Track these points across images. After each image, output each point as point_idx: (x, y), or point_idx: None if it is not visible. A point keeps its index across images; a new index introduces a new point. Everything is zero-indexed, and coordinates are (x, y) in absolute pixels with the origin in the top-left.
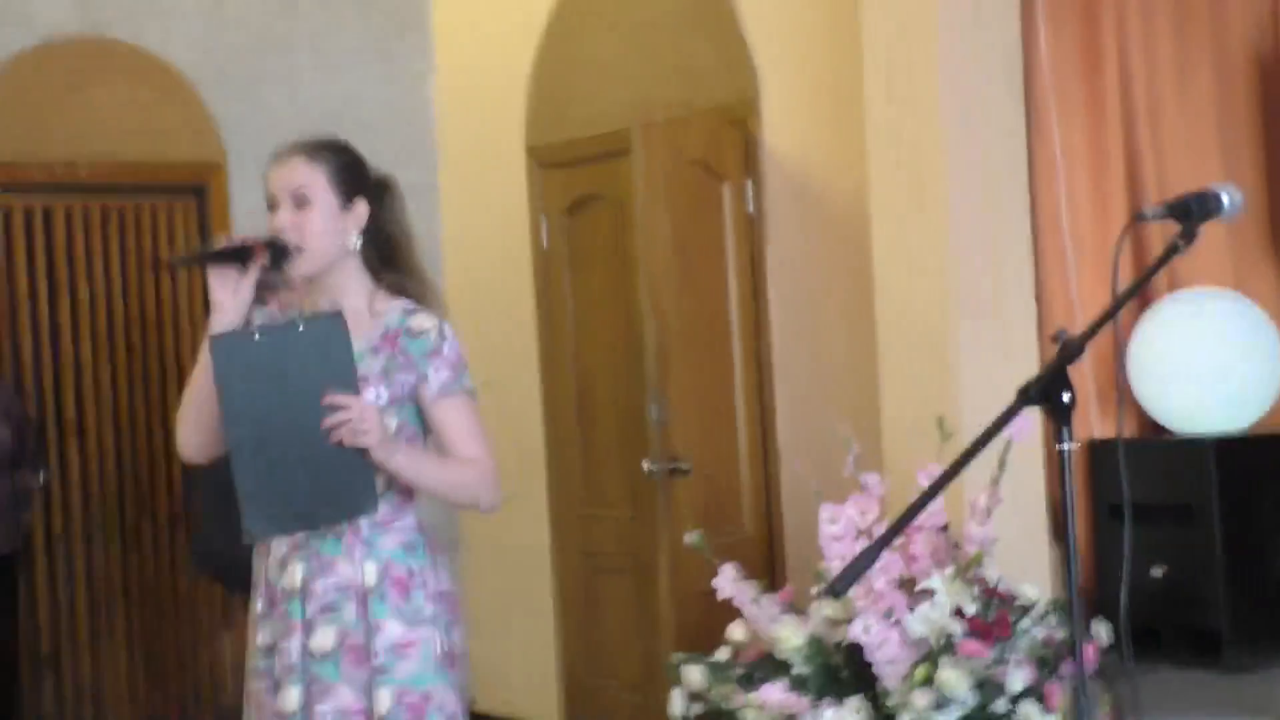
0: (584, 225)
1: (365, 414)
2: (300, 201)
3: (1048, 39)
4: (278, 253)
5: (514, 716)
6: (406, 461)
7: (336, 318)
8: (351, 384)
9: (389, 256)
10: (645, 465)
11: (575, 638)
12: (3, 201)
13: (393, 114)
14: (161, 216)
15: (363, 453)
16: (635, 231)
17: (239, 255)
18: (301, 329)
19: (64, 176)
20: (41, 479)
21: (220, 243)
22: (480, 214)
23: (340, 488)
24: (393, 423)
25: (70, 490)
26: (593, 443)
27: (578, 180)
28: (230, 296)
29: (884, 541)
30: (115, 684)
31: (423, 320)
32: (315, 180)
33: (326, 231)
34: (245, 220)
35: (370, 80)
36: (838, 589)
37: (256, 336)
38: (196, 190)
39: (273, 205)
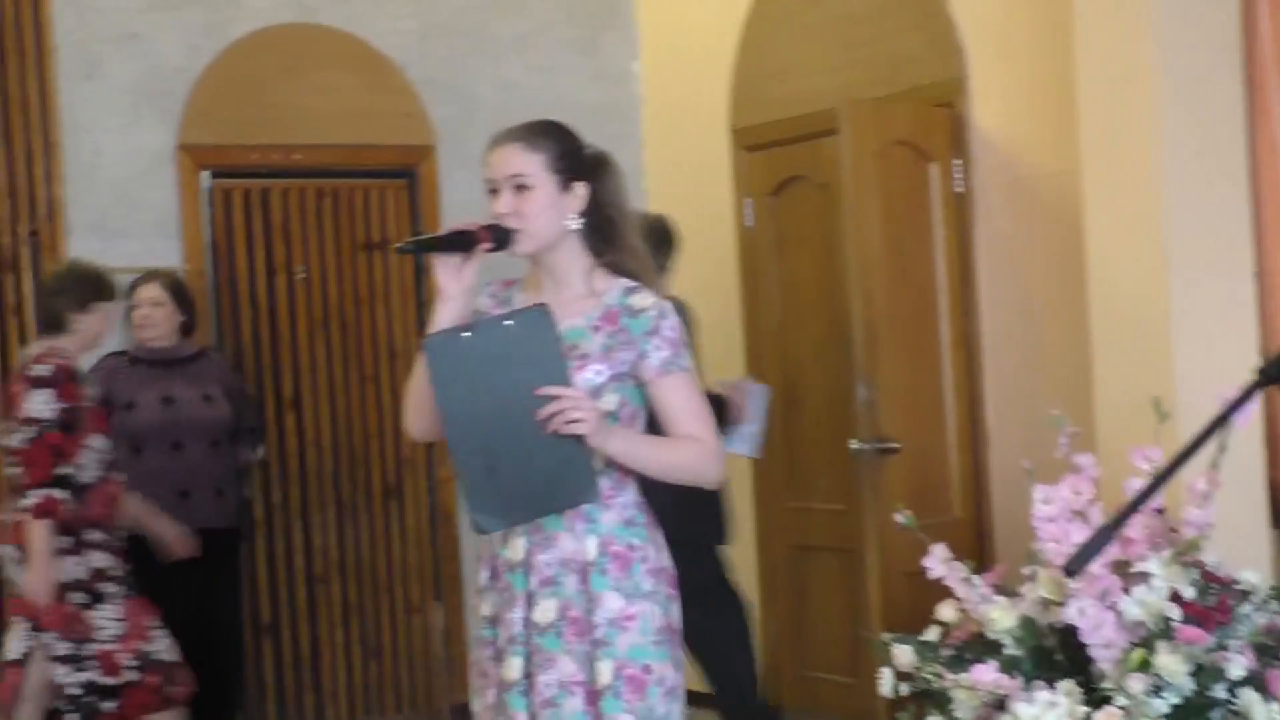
0: (788, 206)
1: (578, 403)
2: (519, 187)
3: (1270, 12)
4: (500, 237)
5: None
6: (624, 446)
7: (543, 310)
8: (562, 375)
9: (608, 235)
10: (853, 444)
11: (779, 620)
12: (221, 184)
13: (597, 100)
14: (373, 199)
15: (580, 441)
16: (843, 211)
17: (462, 242)
18: (509, 324)
19: (279, 160)
20: (260, 454)
21: (444, 229)
22: (684, 197)
23: (560, 477)
24: (613, 400)
25: (288, 465)
26: (798, 426)
27: (781, 162)
28: (454, 282)
29: (1120, 520)
30: (331, 653)
31: (643, 298)
32: (533, 166)
33: (545, 215)
34: (454, 203)
35: (576, 73)
36: (1073, 567)
37: (465, 335)
38: (407, 174)
39: (493, 190)
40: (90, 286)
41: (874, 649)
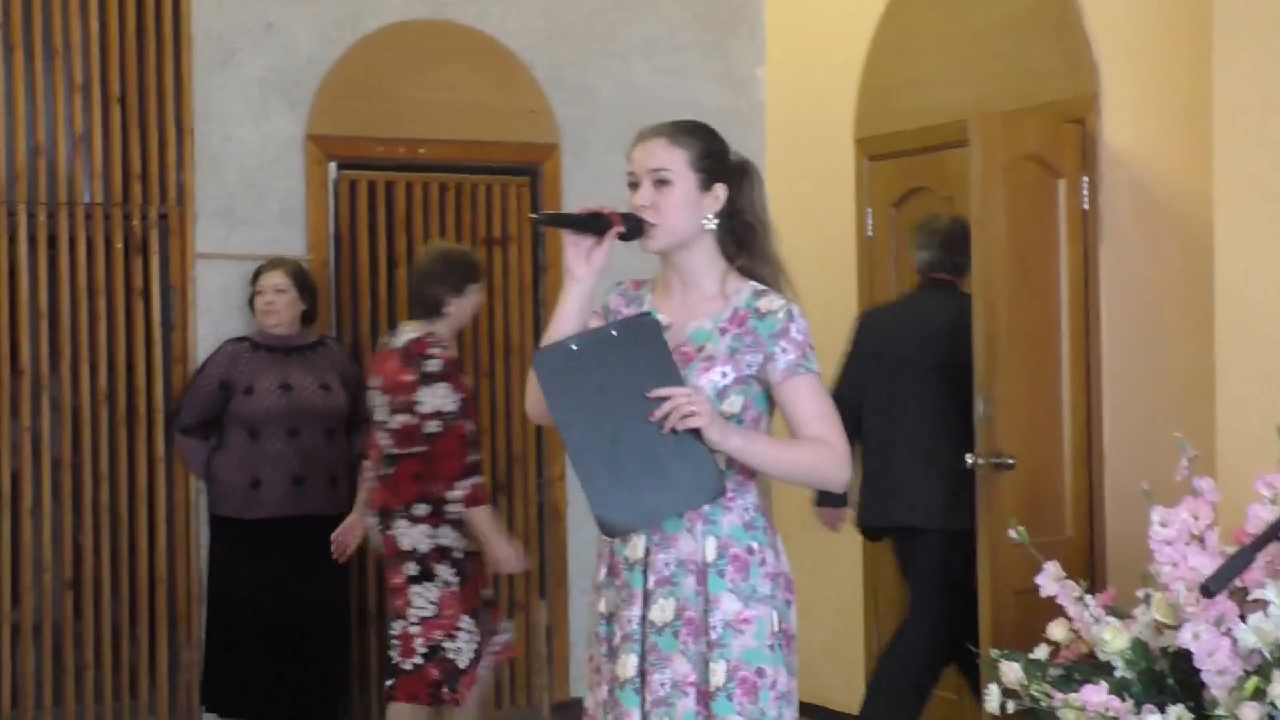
0: (910, 217)
1: (690, 397)
2: (660, 182)
3: None
4: (633, 226)
5: (821, 704)
6: (743, 443)
7: (647, 318)
8: (673, 377)
9: (744, 240)
10: (968, 459)
11: (885, 634)
12: (347, 176)
13: (722, 105)
14: (495, 195)
15: (698, 438)
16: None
17: (595, 224)
18: (616, 334)
19: (404, 154)
20: None
21: (579, 209)
22: (805, 205)
23: (683, 476)
24: (737, 402)
25: None
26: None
27: (906, 172)
28: (583, 264)
29: (1261, 544)
30: None
31: (771, 301)
32: (676, 163)
33: (683, 212)
34: (574, 202)
35: (701, 77)
36: (1213, 587)
37: (574, 346)
38: (529, 171)
39: (634, 183)
40: (463, 270)
41: (982, 665)
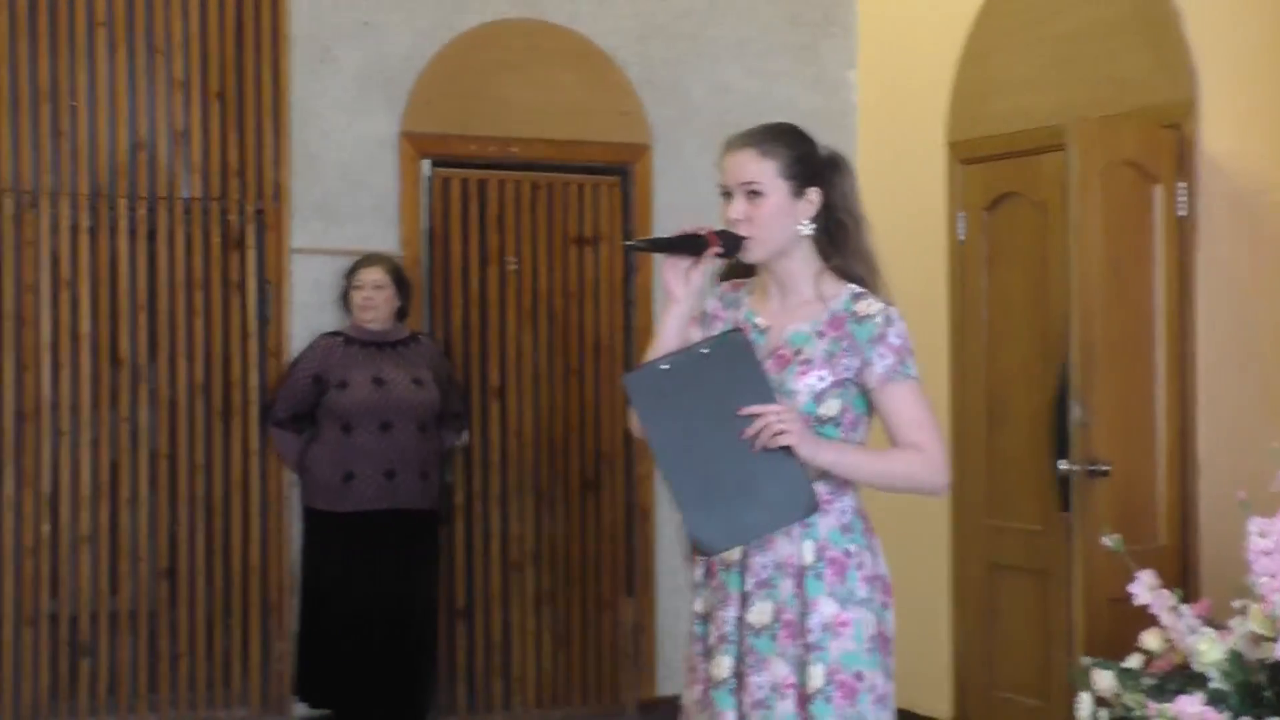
0: (1002, 222)
1: (781, 415)
2: (752, 194)
3: None
4: (730, 243)
5: (907, 708)
6: (835, 456)
7: (737, 335)
8: (765, 393)
9: (838, 239)
10: (1062, 465)
11: (969, 638)
12: (440, 173)
13: (813, 109)
14: (587, 194)
15: (791, 455)
16: (1061, 229)
17: (692, 245)
18: (706, 352)
19: (497, 152)
20: (464, 440)
21: (675, 231)
22: (896, 208)
23: (777, 492)
24: (835, 405)
25: (490, 453)
26: (999, 444)
27: (998, 176)
28: (681, 285)
29: None
30: (521, 640)
31: (869, 305)
32: (766, 174)
33: (777, 222)
34: (665, 202)
35: (792, 79)
36: None
37: (664, 367)
38: (621, 171)
39: (725, 194)
40: None
41: (1073, 673)
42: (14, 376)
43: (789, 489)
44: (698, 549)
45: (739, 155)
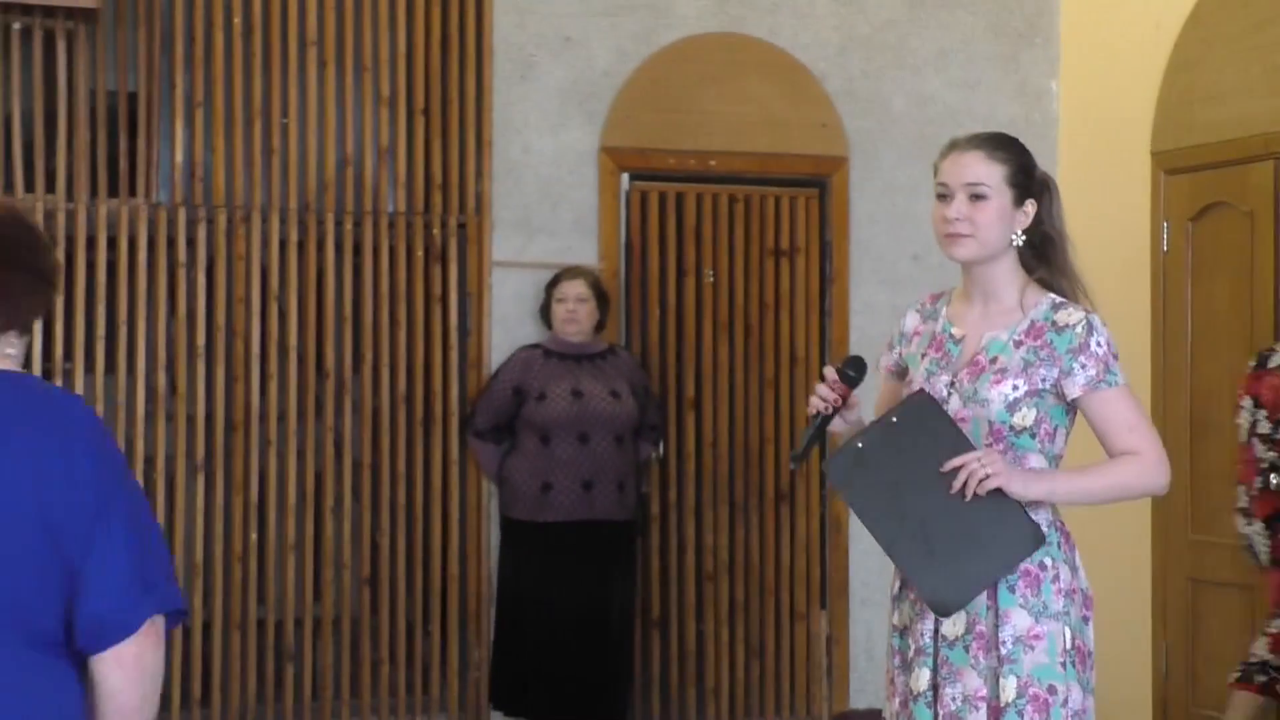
0: (1208, 232)
1: (984, 460)
2: (975, 196)
3: None
4: (853, 372)
5: None
6: (1048, 486)
7: (921, 395)
8: (963, 444)
9: (1044, 254)
10: (1275, 480)
11: (1171, 654)
12: (639, 187)
13: (1013, 116)
14: (784, 207)
15: (1003, 496)
16: (1271, 239)
17: (830, 415)
18: (896, 420)
19: (695, 166)
20: (660, 452)
21: (810, 423)
22: (1098, 218)
23: (1000, 536)
24: (1030, 415)
25: (685, 464)
26: (1204, 457)
27: (1205, 186)
28: (843, 424)
29: None
30: (715, 651)
31: (1070, 314)
32: (993, 178)
33: (996, 227)
34: (863, 214)
35: (994, 89)
36: None
37: (860, 445)
38: (819, 183)
39: (944, 195)
40: None
41: None
42: (224, 387)
43: (1010, 528)
44: (938, 611)
45: (966, 156)
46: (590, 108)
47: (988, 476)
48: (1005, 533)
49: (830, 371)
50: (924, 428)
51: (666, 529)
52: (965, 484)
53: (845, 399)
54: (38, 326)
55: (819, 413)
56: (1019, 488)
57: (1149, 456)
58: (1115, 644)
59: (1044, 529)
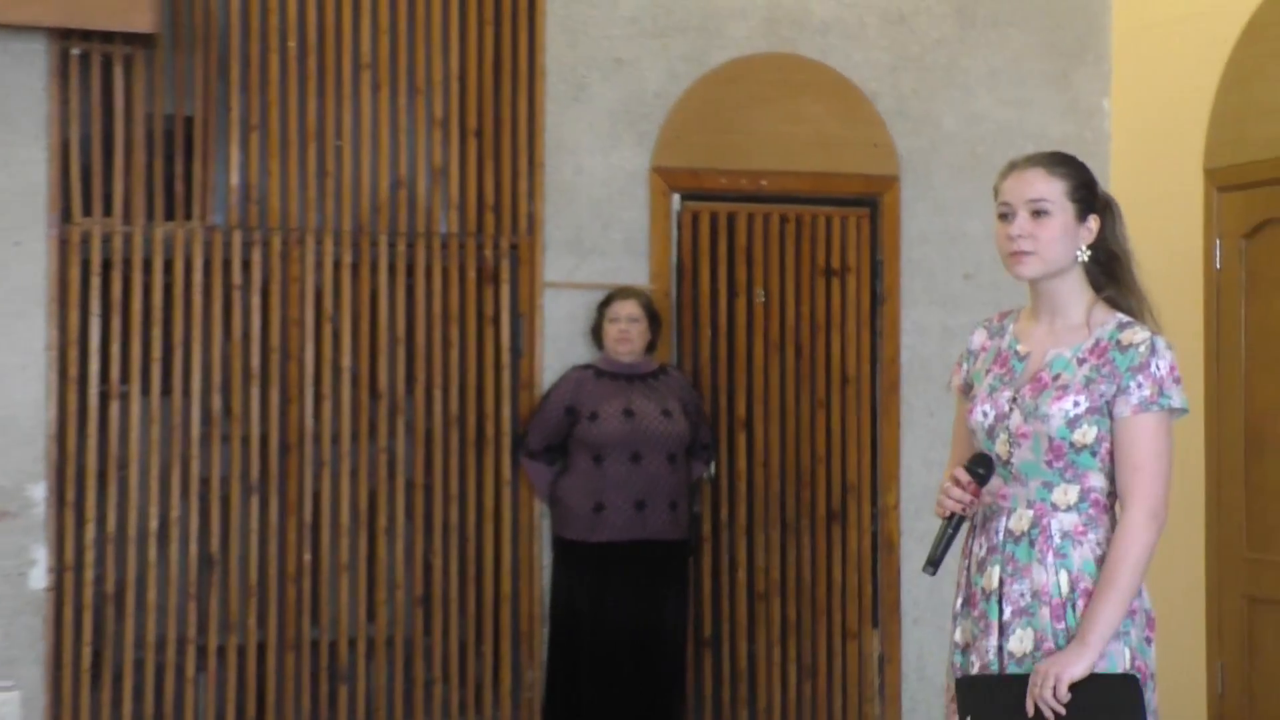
0: (1262, 249)
1: (1044, 678)
2: (1037, 212)
3: None
4: (981, 470)
5: None
6: (1101, 631)
7: (961, 683)
8: (1020, 684)
9: (1111, 272)
10: None
11: (1228, 674)
12: (690, 207)
13: (1065, 135)
14: (835, 227)
15: (1095, 685)
16: None
17: (963, 516)
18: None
19: (747, 186)
20: (711, 471)
21: (945, 528)
22: (1151, 236)
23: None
24: (1091, 432)
25: (736, 483)
26: (1261, 475)
27: (1260, 203)
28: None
29: None
30: (768, 671)
31: (1135, 334)
32: (1055, 193)
33: (1060, 243)
34: (914, 232)
35: (1045, 107)
36: None
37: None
38: (870, 202)
39: (1007, 215)
40: None
41: None
42: (279, 408)
43: (1113, 704)
44: None
45: (1028, 174)
46: (641, 128)
47: (1055, 684)
48: (1114, 713)
49: (961, 473)
50: (989, 705)
51: (718, 548)
52: (1050, 701)
53: (977, 497)
54: (94, 348)
55: (953, 514)
56: (1085, 666)
57: (1134, 516)
58: (1171, 663)
59: (1101, 547)
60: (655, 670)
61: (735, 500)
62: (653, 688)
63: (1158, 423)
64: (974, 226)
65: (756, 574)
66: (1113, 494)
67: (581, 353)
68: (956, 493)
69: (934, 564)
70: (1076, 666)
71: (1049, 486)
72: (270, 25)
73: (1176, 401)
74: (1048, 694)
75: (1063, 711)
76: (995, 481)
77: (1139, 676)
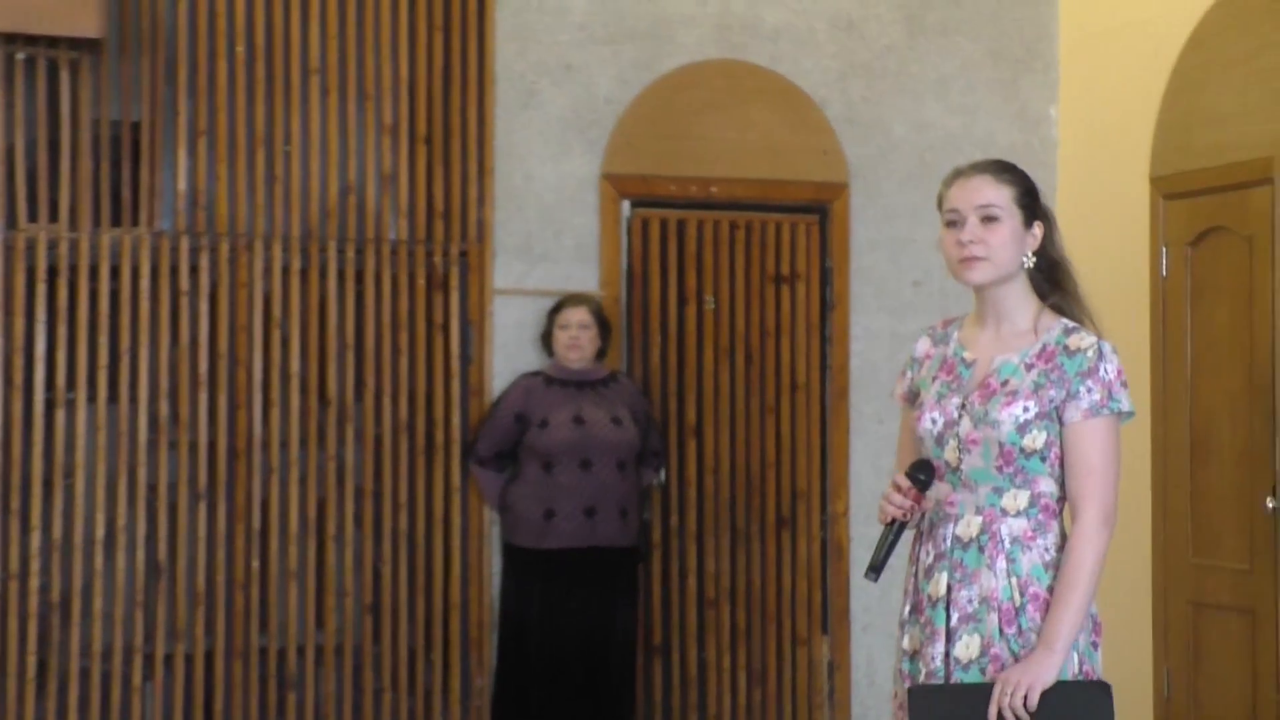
0: (1207, 257)
1: (1008, 682)
2: (987, 218)
3: None
4: (922, 476)
5: None
6: (1064, 636)
7: (912, 692)
8: (977, 694)
9: (1054, 278)
10: (1270, 503)
11: (1174, 678)
12: (640, 213)
13: (1012, 142)
14: (784, 233)
15: (1062, 690)
16: (1271, 263)
17: (904, 523)
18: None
19: (697, 192)
20: (661, 478)
21: (886, 535)
22: (1097, 243)
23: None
24: (1040, 438)
25: (686, 490)
26: (1205, 480)
27: (1204, 211)
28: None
29: None
30: (718, 677)
31: (1082, 339)
32: (1003, 199)
33: (1009, 248)
34: (863, 239)
35: (993, 115)
36: None
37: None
38: (820, 209)
39: (955, 221)
40: None
41: None
42: (227, 415)
43: (1083, 705)
44: None
45: (975, 180)
46: (591, 135)
47: (1025, 693)
48: (1086, 712)
49: (902, 479)
50: (942, 716)
51: (668, 555)
52: (1013, 703)
53: (918, 503)
54: (40, 355)
55: (895, 520)
56: (1054, 671)
57: (1089, 521)
58: (1117, 668)
59: (1050, 552)
60: (605, 677)
61: (685, 507)
62: (603, 695)
63: (1108, 427)
64: (923, 233)
65: (706, 581)
66: (1062, 499)
67: (531, 360)
68: (898, 499)
69: (876, 570)
70: (1049, 674)
71: (999, 492)
72: (218, 30)
73: (1125, 405)
74: (1018, 702)
75: (1027, 716)
76: (944, 488)
77: (1109, 685)
